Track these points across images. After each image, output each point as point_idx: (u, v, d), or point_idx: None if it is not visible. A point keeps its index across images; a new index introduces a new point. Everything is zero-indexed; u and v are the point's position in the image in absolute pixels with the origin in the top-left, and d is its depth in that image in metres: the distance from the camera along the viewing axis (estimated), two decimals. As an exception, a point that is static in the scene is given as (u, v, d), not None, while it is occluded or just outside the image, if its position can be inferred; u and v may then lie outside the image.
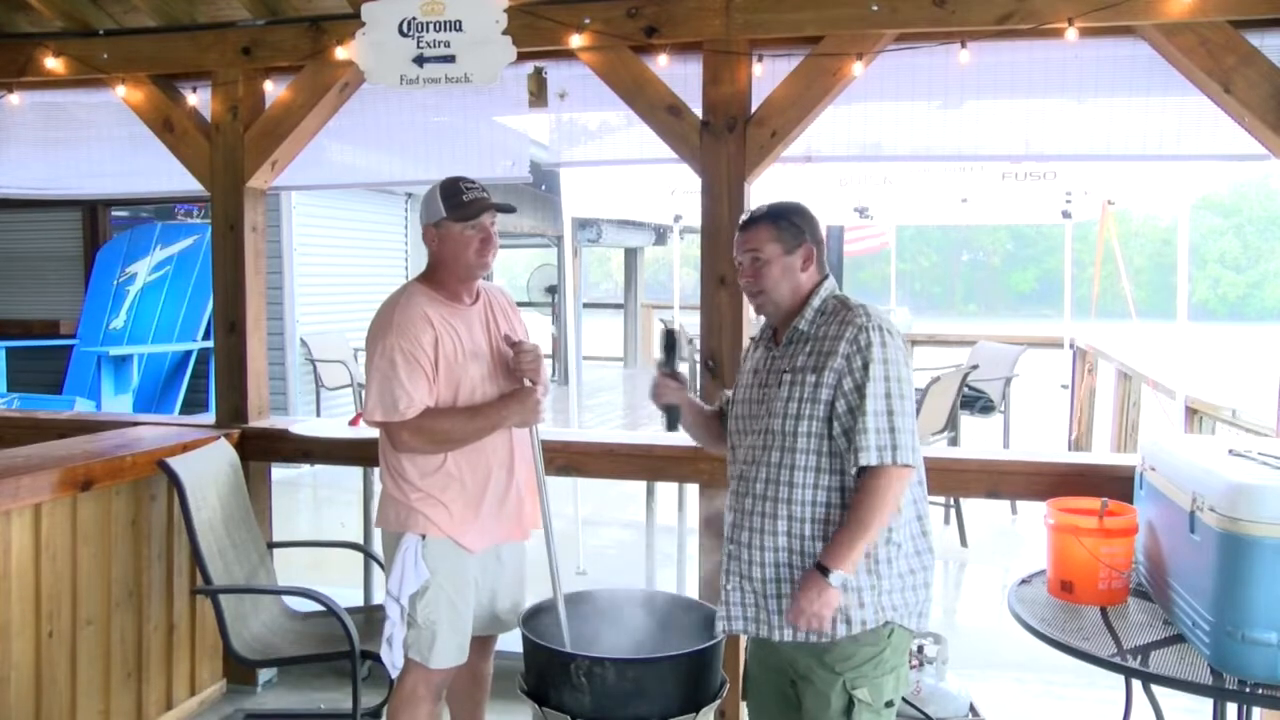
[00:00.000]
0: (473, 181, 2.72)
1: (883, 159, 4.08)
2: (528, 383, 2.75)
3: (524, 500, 2.85)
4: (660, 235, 15.19)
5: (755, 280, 2.34)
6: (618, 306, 16.91)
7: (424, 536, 2.68)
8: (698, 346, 3.62)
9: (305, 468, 7.81)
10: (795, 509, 2.22)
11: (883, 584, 2.20)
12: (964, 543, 6.10)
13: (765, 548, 2.25)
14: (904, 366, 2.21)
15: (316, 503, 7.70)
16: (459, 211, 2.67)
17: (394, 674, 2.66)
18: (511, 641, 2.77)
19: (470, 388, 2.71)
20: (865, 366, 2.17)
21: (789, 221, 2.33)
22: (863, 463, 2.16)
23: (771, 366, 2.34)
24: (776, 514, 2.24)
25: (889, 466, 2.15)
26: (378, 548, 2.87)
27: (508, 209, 2.75)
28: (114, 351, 8.02)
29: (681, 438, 2.83)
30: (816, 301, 2.31)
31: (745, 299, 3.33)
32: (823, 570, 2.15)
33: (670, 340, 2.62)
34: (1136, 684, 2.59)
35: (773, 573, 2.25)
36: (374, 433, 2.80)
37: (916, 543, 2.26)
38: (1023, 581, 2.79)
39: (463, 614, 2.74)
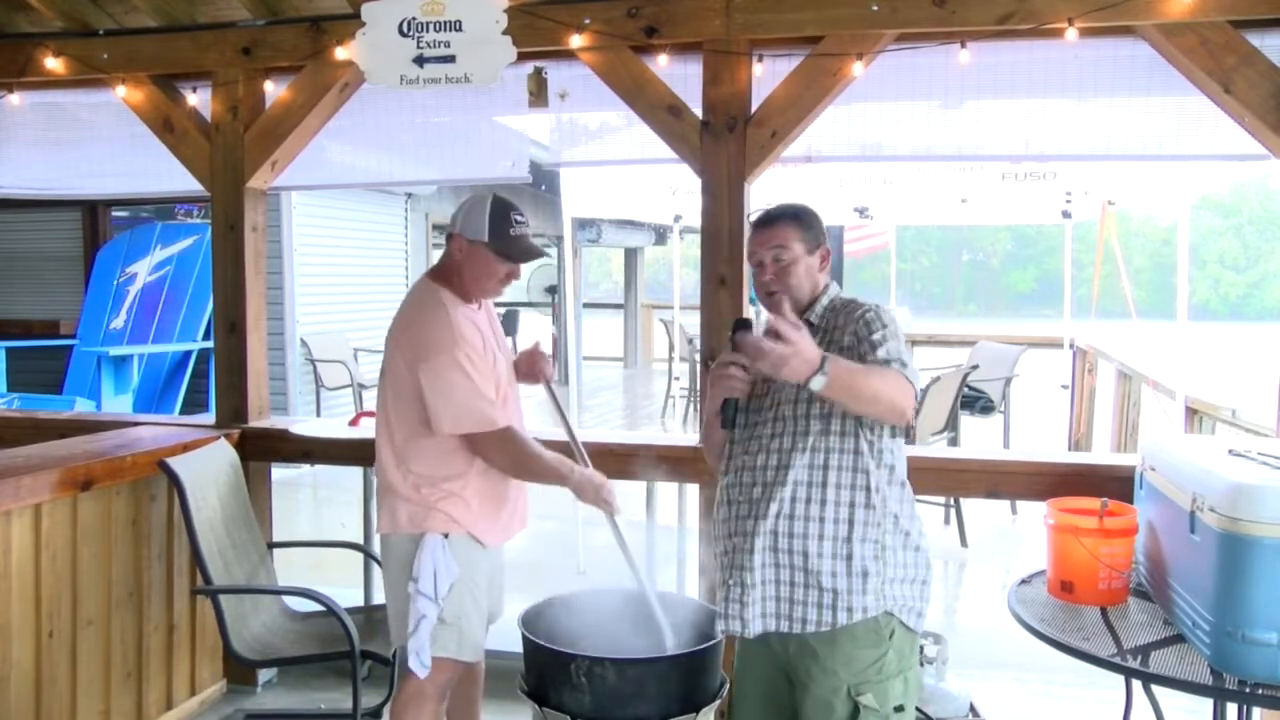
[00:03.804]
0: (522, 213, 2.70)
1: (883, 159, 4.07)
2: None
3: (524, 491, 2.93)
4: (660, 235, 15.20)
5: (778, 279, 2.28)
6: (618, 307, 16.93)
7: (446, 535, 2.70)
8: (698, 346, 3.61)
9: (305, 468, 7.80)
10: (791, 490, 2.16)
11: (887, 571, 2.16)
12: (964, 543, 6.10)
13: (758, 533, 2.16)
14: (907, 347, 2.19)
15: (316, 503, 7.70)
16: (502, 246, 2.68)
17: (423, 674, 2.67)
18: (511, 641, 2.77)
19: (502, 388, 2.75)
20: (871, 331, 2.18)
21: (811, 221, 2.34)
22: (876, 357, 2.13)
23: None
24: (772, 497, 2.16)
25: (898, 370, 2.11)
26: (378, 548, 2.87)
27: (544, 255, 2.77)
28: (114, 351, 8.01)
29: (682, 438, 2.82)
30: (825, 300, 2.33)
31: (744, 299, 3.34)
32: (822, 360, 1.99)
33: (743, 326, 2.22)
34: (1136, 684, 2.59)
35: (770, 561, 2.16)
36: (374, 433, 2.79)
37: (916, 540, 2.22)
38: (1023, 581, 2.79)
39: (481, 609, 2.80)
